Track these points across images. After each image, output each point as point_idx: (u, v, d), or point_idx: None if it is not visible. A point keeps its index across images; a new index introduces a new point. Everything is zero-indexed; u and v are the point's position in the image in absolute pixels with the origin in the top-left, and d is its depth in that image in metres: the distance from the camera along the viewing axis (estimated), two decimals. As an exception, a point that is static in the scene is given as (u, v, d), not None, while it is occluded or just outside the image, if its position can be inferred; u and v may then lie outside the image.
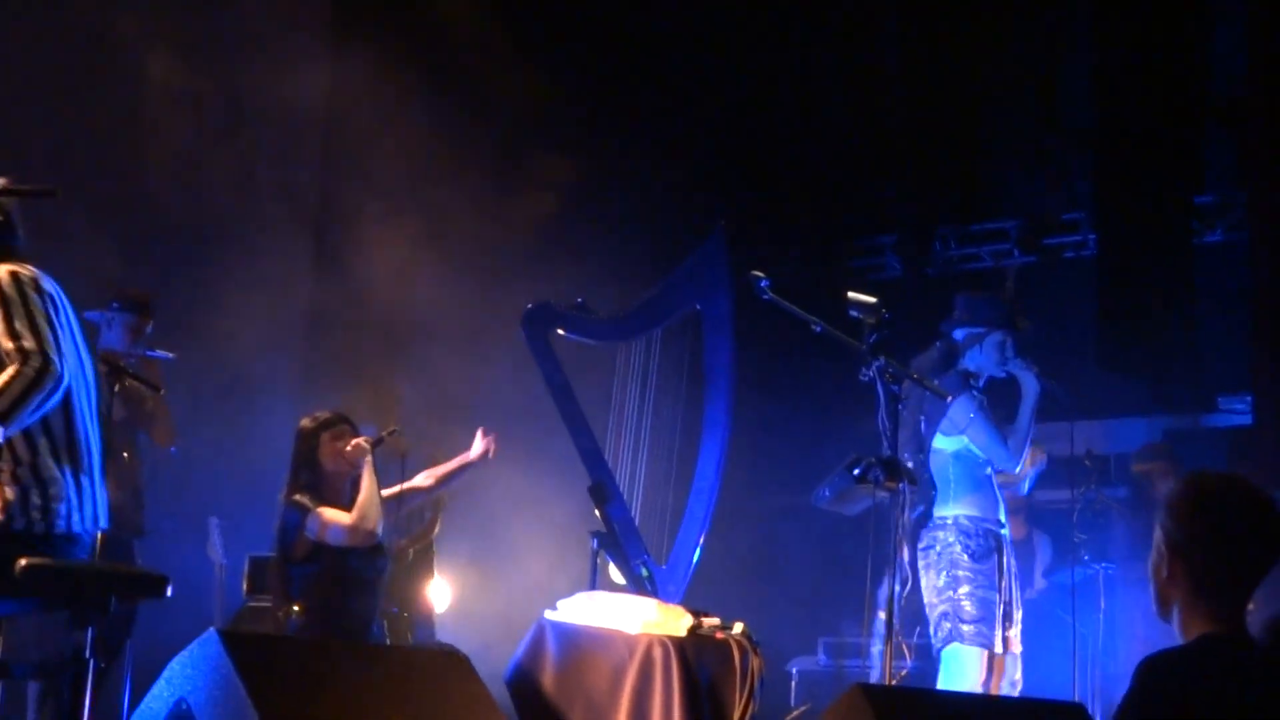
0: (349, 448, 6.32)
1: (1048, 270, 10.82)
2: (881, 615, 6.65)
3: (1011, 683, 6.41)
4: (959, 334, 6.70)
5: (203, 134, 9.50)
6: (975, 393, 6.53)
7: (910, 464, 6.44)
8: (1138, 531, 8.50)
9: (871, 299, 5.99)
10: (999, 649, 6.33)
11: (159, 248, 8.93)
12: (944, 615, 6.36)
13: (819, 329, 6.06)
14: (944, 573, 6.39)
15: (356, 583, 6.23)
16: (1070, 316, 10.25)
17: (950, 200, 11.32)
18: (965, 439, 6.53)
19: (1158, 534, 3.30)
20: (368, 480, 6.22)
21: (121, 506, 6.89)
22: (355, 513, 6.16)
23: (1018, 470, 6.72)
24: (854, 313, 6.00)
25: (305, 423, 6.46)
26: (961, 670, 6.28)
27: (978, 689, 6.20)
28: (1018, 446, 6.54)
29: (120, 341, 7.17)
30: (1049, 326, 9.64)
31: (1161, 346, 10.01)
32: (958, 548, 6.39)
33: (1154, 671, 3.17)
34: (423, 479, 6.83)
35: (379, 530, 6.22)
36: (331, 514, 6.16)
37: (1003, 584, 6.41)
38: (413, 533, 8.60)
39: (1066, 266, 10.92)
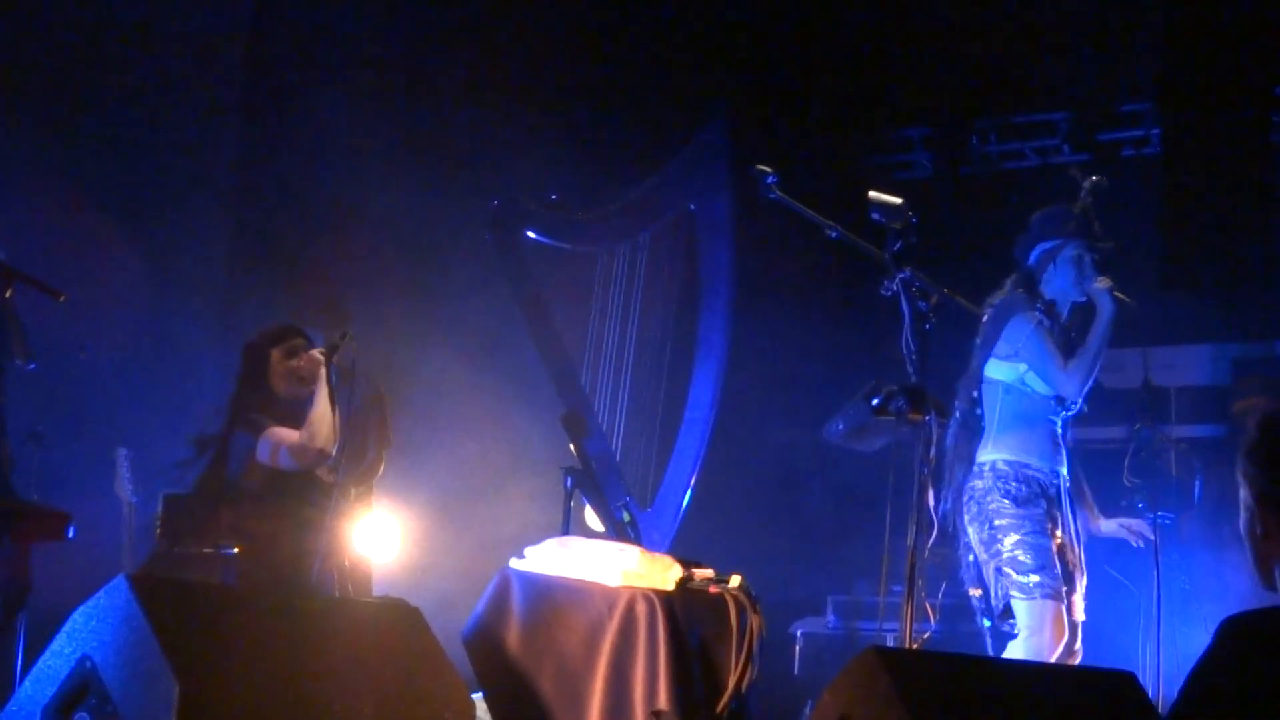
0: (302, 362, 6.29)
1: (1103, 170, 10.78)
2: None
3: (1069, 651, 6.44)
4: (1033, 256, 6.69)
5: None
6: (1038, 310, 6.53)
7: (960, 411, 6.47)
8: (1228, 484, 8.54)
9: (896, 200, 5.97)
10: (1063, 601, 6.35)
11: (56, 116, 8.89)
12: (998, 571, 6.39)
13: (834, 234, 6.04)
14: (986, 524, 6.42)
15: (303, 516, 6.22)
16: (1128, 225, 10.22)
17: (989, 88, 11.28)
18: (1022, 367, 6.54)
19: (1243, 489, 3.29)
20: (320, 394, 6.19)
21: None
22: (304, 428, 6.15)
23: (1078, 397, 6.68)
24: (876, 216, 5.97)
25: (250, 339, 6.42)
26: (1035, 627, 6.29)
27: (1057, 651, 6.24)
28: (1080, 370, 6.52)
29: None
30: (1107, 225, 9.66)
31: (1233, 261, 10.02)
32: (996, 494, 6.42)
33: (1240, 634, 3.16)
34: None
35: (332, 450, 6.19)
36: (282, 432, 6.16)
37: (1058, 535, 6.43)
38: (351, 472, 8.61)
39: (1125, 166, 10.90)
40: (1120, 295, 6.58)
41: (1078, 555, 6.54)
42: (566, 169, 7.97)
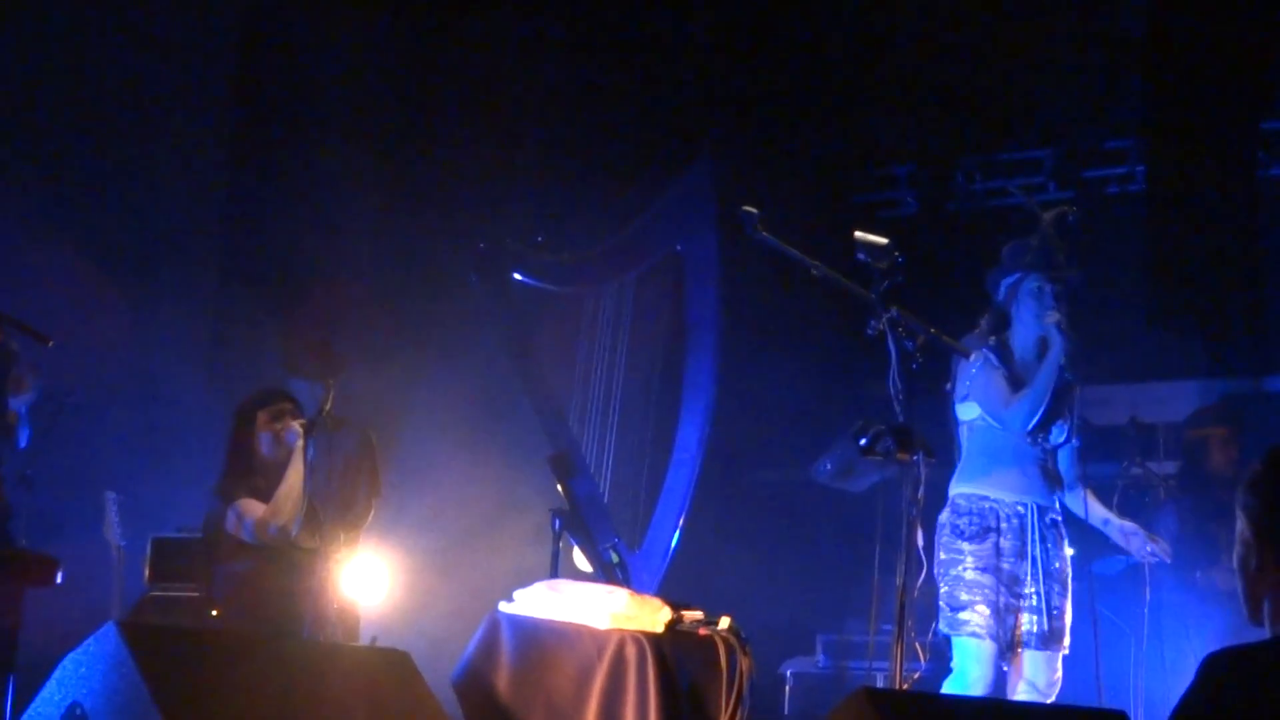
0: (284, 430, 6.33)
1: (1088, 207, 10.83)
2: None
3: (1039, 687, 6.46)
4: (1001, 290, 6.72)
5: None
6: (986, 348, 6.55)
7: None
8: (1187, 510, 8.53)
9: (882, 239, 6.00)
10: (1004, 642, 6.36)
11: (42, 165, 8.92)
12: (937, 606, 6.45)
13: (820, 274, 6.06)
14: (937, 559, 6.47)
15: (282, 588, 6.24)
16: (1114, 262, 10.27)
17: (975, 125, 11.31)
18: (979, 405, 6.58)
19: (1241, 522, 3.30)
20: (292, 469, 6.23)
21: None
22: (270, 504, 6.20)
23: (1024, 430, 6.66)
24: (862, 255, 6.00)
25: (242, 402, 6.52)
26: (962, 665, 6.35)
27: (980, 688, 6.26)
28: (1026, 405, 6.51)
29: None
30: (1089, 273, 9.67)
31: (1219, 297, 10.04)
32: (948, 529, 6.47)
33: (1221, 669, 3.18)
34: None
35: (293, 529, 6.24)
36: (249, 506, 6.21)
37: (1010, 570, 6.42)
38: (340, 520, 8.63)
39: (1110, 203, 10.93)
40: (1068, 332, 6.59)
41: (1049, 589, 6.54)
42: (553, 211, 8.00)
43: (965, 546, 6.42)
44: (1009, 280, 6.68)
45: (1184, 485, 8.74)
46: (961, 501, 6.49)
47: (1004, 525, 6.47)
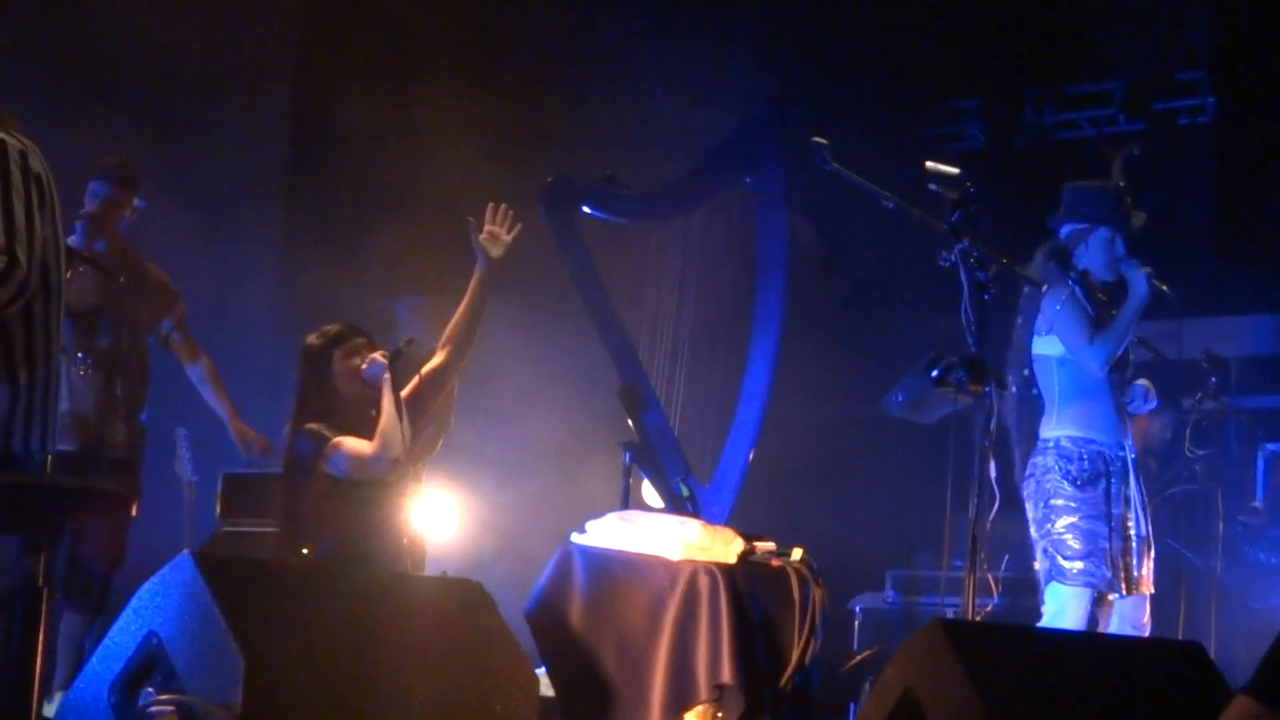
0: (364, 364, 6.21)
1: (1159, 140, 10.70)
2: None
3: (1137, 627, 6.39)
4: (1064, 230, 6.64)
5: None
6: (1071, 281, 6.48)
7: (1014, 385, 6.42)
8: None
9: (954, 169, 5.93)
10: (1112, 590, 6.29)
11: (119, 119, 8.93)
12: (1044, 552, 6.36)
13: (891, 205, 6.00)
14: (1042, 503, 6.38)
15: (378, 523, 6.17)
16: (1184, 195, 10.16)
17: (1043, 58, 11.19)
18: (1061, 337, 6.50)
19: None
20: (387, 400, 6.12)
21: (92, 419, 6.93)
22: (376, 441, 6.03)
23: (1100, 370, 6.60)
24: (933, 186, 5.93)
25: (311, 339, 6.27)
26: (1063, 612, 6.27)
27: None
28: (1107, 344, 6.44)
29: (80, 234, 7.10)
30: (1159, 207, 9.57)
31: (1291, 230, 9.94)
32: (1056, 473, 6.37)
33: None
34: (439, 357, 6.44)
35: (402, 457, 6.14)
36: (353, 444, 6.07)
37: (1118, 514, 6.37)
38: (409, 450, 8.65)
39: (1180, 136, 10.80)
40: (1158, 284, 6.51)
41: (1146, 528, 6.48)
42: (621, 145, 7.96)
43: (1078, 494, 6.33)
44: (1078, 227, 6.59)
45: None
46: (1069, 445, 6.38)
47: (1111, 469, 6.40)
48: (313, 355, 6.25)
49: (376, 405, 6.10)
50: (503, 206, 6.27)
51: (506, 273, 6.32)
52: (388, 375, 6.05)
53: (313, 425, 6.08)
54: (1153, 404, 6.74)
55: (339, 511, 6.08)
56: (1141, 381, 6.67)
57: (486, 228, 6.25)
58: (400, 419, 6.05)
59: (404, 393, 6.17)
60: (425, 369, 6.34)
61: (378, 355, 6.13)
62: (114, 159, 7.23)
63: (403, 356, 6.15)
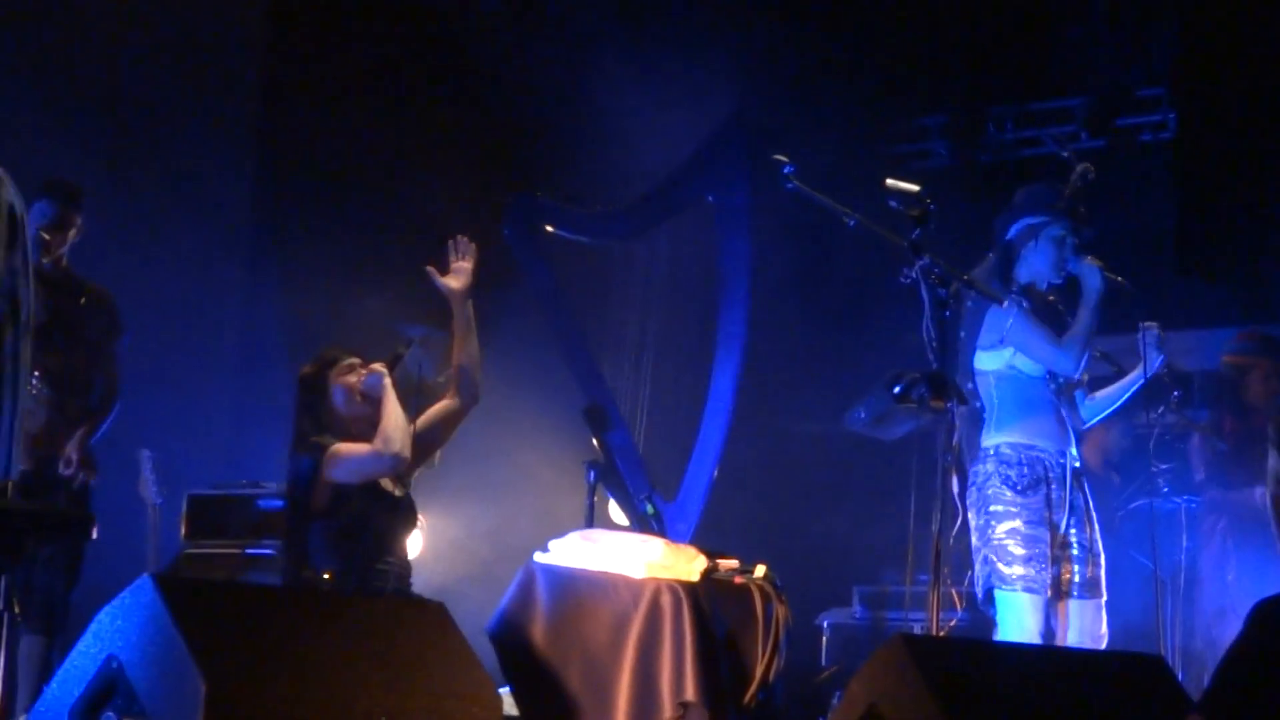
0: (359, 379, 6.24)
1: (1120, 156, 10.74)
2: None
3: (1093, 636, 6.39)
4: (1013, 231, 6.65)
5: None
6: (1015, 295, 6.49)
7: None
8: (1222, 450, 8.49)
9: (914, 186, 5.95)
10: (1052, 594, 6.31)
11: (82, 133, 8.92)
12: (984, 559, 6.37)
13: (853, 223, 6.02)
14: (982, 510, 6.40)
15: (387, 531, 6.17)
16: (1146, 209, 10.20)
17: (1006, 75, 11.22)
18: (1009, 352, 6.50)
19: (1273, 460, 3.28)
20: (388, 402, 6.12)
21: (43, 437, 6.93)
22: (376, 438, 6.08)
23: (1076, 373, 6.63)
24: (894, 203, 5.96)
25: (305, 368, 6.36)
26: (1012, 620, 6.28)
27: (1034, 641, 6.22)
28: (1074, 345, 6.47)
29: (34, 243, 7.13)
30: (1121, 222, 9.60)
31: (1252, 244, 9.96)
32: (996, 480, 6.38)
33: (1272, 617, 3.14)
34: (451, 401, 6.52)
35: (408, 455, 6.12)
36: (349, 447, 6.09)
37: (1059, 520, 6.38)
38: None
39: (1142, 152, 10.84)
40: (1111, 275, 6.53)
41: (1090, 537, 6.49)
42: (583, 163, 7.96)
43: (1018, 499, 6.34)
44: (1031, 221, 6.61)
45: (1217, 419, 8.68)
46: (1008, 451, 6.39)
47: (1051, 475, 6.41)
48: (308, 382, 6.33)
49: (376, 422, 6.12)
50: (460, 239, 6.41)
51: (480, 288, 6.38)
52: (387, 382, 6.10)
53: (307, 441, 6.12)
54: (1161, 358, 6.74)
55: (347, 522, 6.08)
56: (1150, 326, 6.69)
57: (452, 266, 6.40)
58: (404, 419, 6.07)
59: (418, 422, 6.25)
60: (438, 408, 6.46)
61: (375, 366, 6.17)
62: (58, 179, 7.27)
63: (401, 361, 6.20)
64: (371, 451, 6.07)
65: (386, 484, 6.22)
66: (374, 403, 6.17)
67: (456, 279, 6.39)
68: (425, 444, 6.34)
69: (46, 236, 7.09)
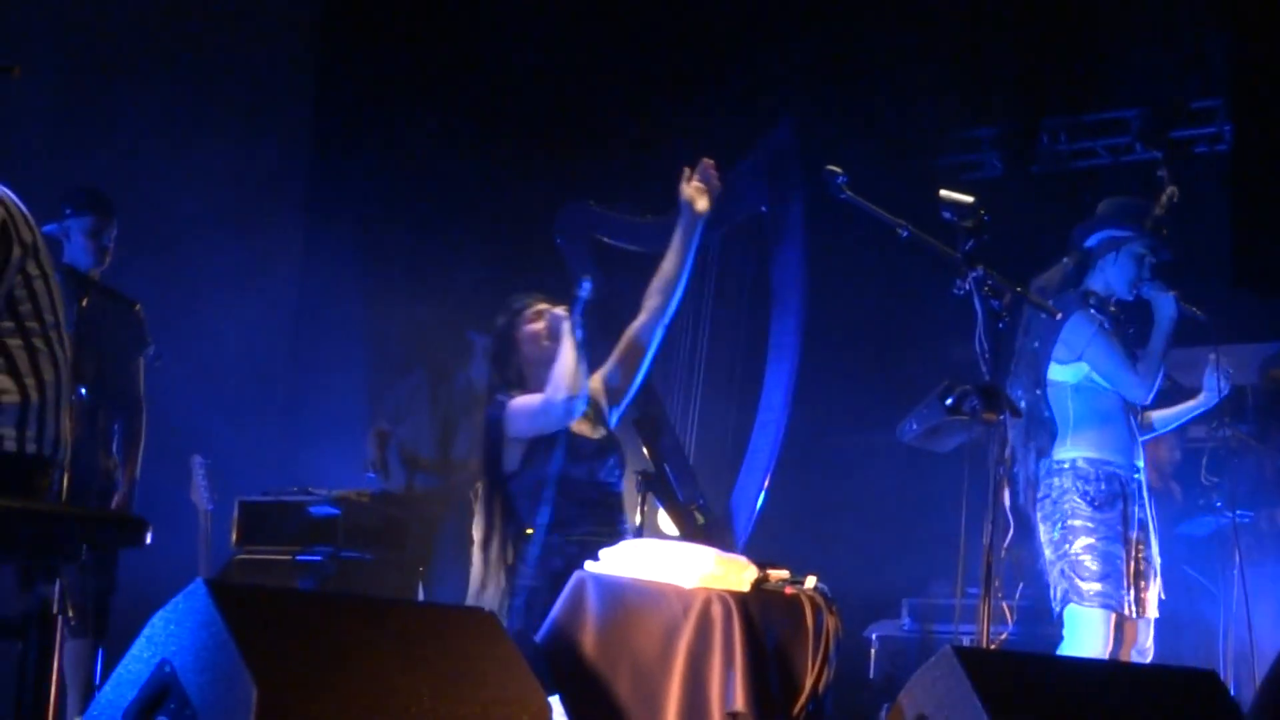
0: (544, 324, 6.15)
1: (1175, 168, 10.69)
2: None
3: (1140, 651, 6.39)
4: (1093, 240, 6.64)
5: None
6: (1094, 311, 6.48)
7: (1024, 402, 6.42)
8: (1269, 465, 8.45)
9: (968, 198, 5.94)
10: (1128, 612, 6.29)
11: (115, 137, 8.97)
12: (1061, 573, 6.35)
13: (906, 234, 6.00)
14: (1059, 524, 6.38)
15: (584, 491, 6.11)
16: (1201, 222, 10.14)
17: (1059, 86, 11.20)
18: (1085, 367, 6.49)
19: None
20: (565, 345, 5.96)
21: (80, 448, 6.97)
22: (548, 384, 5.95)
23: (1149, 401, 6.65)
24: (947, 215, 5.94)
25: (499, 319, 6.30)
26: (1083, 636, 6.27)
27: (1102, 658, 6.20)
28: (1148, 373, 6.49)
29: (85, 252, 7.22)
30: (1175, 234, 9.55)
31: (1306, 260, 9.93)
32: (1074, 494, 6.38)
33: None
34: (643, 314, 6.39)
35: (579, 398, 5.97)
36: (522, 400, 6.03)
37: (1133, 537, 6.37)
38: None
39: (1197, 163, 10.80)
40: (1186, 305, 6.53)
41: (1152, 552, 6.49)
42: (638, 172, 7.96)
43: (1096, 515, 6.33)
44: (1115, 234, 6.60)
45: (1263, 431, 8.64)
46: (1086, 466, 6.39)
47: (1127, 491, 6.40)
48: (500, 333, 6.27)
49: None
50: (709, 162, 6.37)
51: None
52: (567, 325, 6.01)
53: (498, 393, 6.09)
54: (1227, 387, 6.76)
55: (537, 483, 6.00)
56: (1221, 360, 6.70)
57: (694, 182, 6.32)
58: (578, 362, 5.93)
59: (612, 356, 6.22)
60: (627, 335, 6.38)
61: (557, 310, 6.11)
62: (89, 188, 7.35)
63: (583, 303, 6.03)
64: (543, 400, 5.97)
65: (582, 428, 6.19)
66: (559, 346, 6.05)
67: (702, 199, 6.30)
68: (626, 369, 6.30)
69: (103, 245, 7.20)
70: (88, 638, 6.87)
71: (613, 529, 6.12)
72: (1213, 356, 6.74)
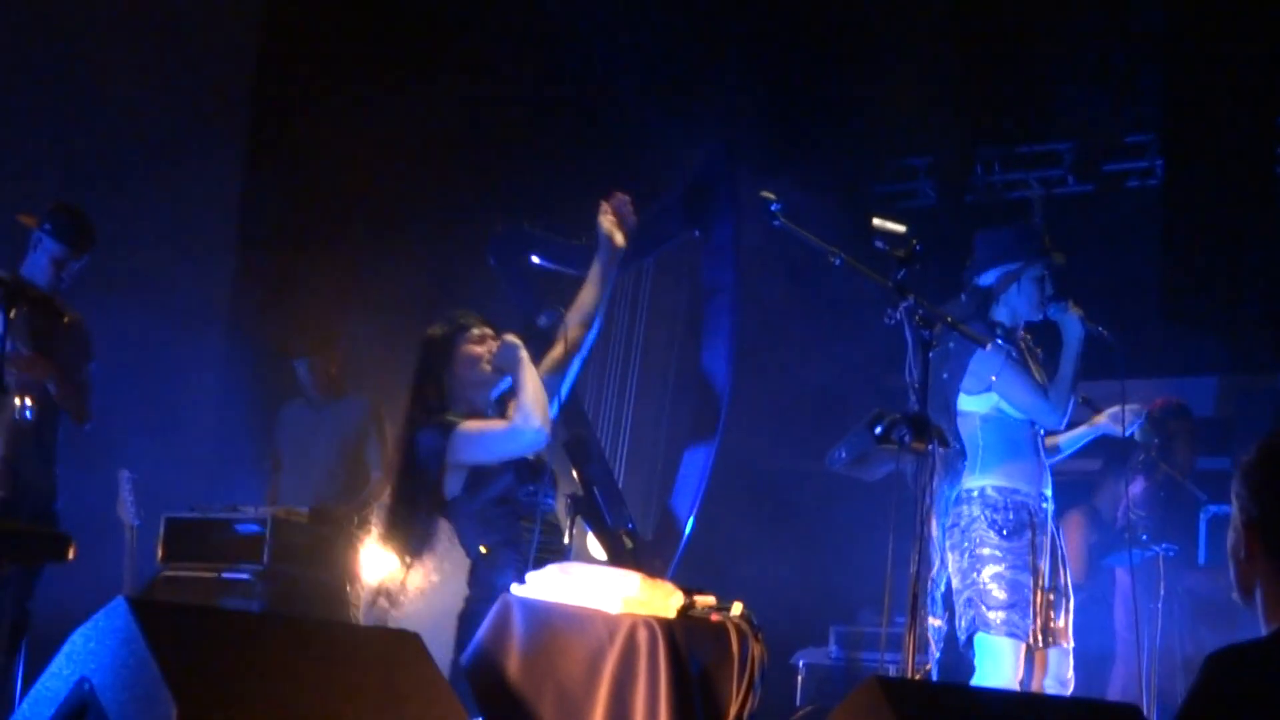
0: (490, 350, 6.05)
1: (1107, 201, 10.80)
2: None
3: (1062, 681, 6.42)
4: (989, 278, 6.69)
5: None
6: (1001, 342, 6.52)
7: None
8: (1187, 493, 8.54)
9: (900, 227, 5.98)
10: (1034, 641, 6.33)
11: (62, 153, 8.91)
12: (969, 602, 6.38)
13: (838, 262, 6.03)
14: (967, 553, 6.42)
15: (529, 511, 6.04)
16: (1132, 256, 10.24)
17: (994, 117, 11.28)
18: (994, 397, 6.54)
19: (1233, 509, 3.29)
20: (526, 375, 5.90)
21: (22, 465, 6.93)
22: (515, 413, 5.90)
23: (1062, 425, 6.71)
24: (880, 244, 5.98)
25: (434, 331, 6.15)
26: (991, 665, 6.30)
27: (1013, 687, 6.23)
28: (1060, 399, 6.54)
29: (43, 272, 7.22)
30: (1107, 267, 9.63)
31: (1237, 292, 10.00)
32: (983, 523, 6.41)
33: (1224, 667, 3.15)
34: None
35: (547, 429, 5.93)
36: (478, 425, 5.94)
37: (1042, 566, 6.41)
38: (352, 499, 8.67)
39: (1129, 197, 10.91)
40: (1092, 325, 6.58)
41: (1063, 581, 6.52)
42: (570, 195, 7.95)
43: (1004, 543, 6.36)
44: (1010, 268, 6.65)
45: (1167, 445, 8.68)
46: (994, 495, 6.43)
47: (1035, 520, 6.44)
48: (436, 346, 6.13)
49: (496, 402, 6.05)
50: (624, 197, 6.36)
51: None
52: (523, 354, 5.96)
53: (429, 416, 5.96)
54: (1137, 422, 6.82)
55: (486, 505, 5.96)
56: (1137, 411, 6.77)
57: (609, 216, 6.31)
58: (543, 392, 5.94)
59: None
60: (549, 357, 6.29)
61: (509, 337, 6.05)
62: (78, 217, 7.33)
63: (538, 333, 6.05)
64: (509, 428, 5.92)
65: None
66: (498, 375, 6.03)
67: (617, 231, 6.28)
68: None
69: (62, 275, 7.22)
70: (6, 654, 6.81)
71: (559, 548, 6.10)
72: (1130, 408, 6.82)
